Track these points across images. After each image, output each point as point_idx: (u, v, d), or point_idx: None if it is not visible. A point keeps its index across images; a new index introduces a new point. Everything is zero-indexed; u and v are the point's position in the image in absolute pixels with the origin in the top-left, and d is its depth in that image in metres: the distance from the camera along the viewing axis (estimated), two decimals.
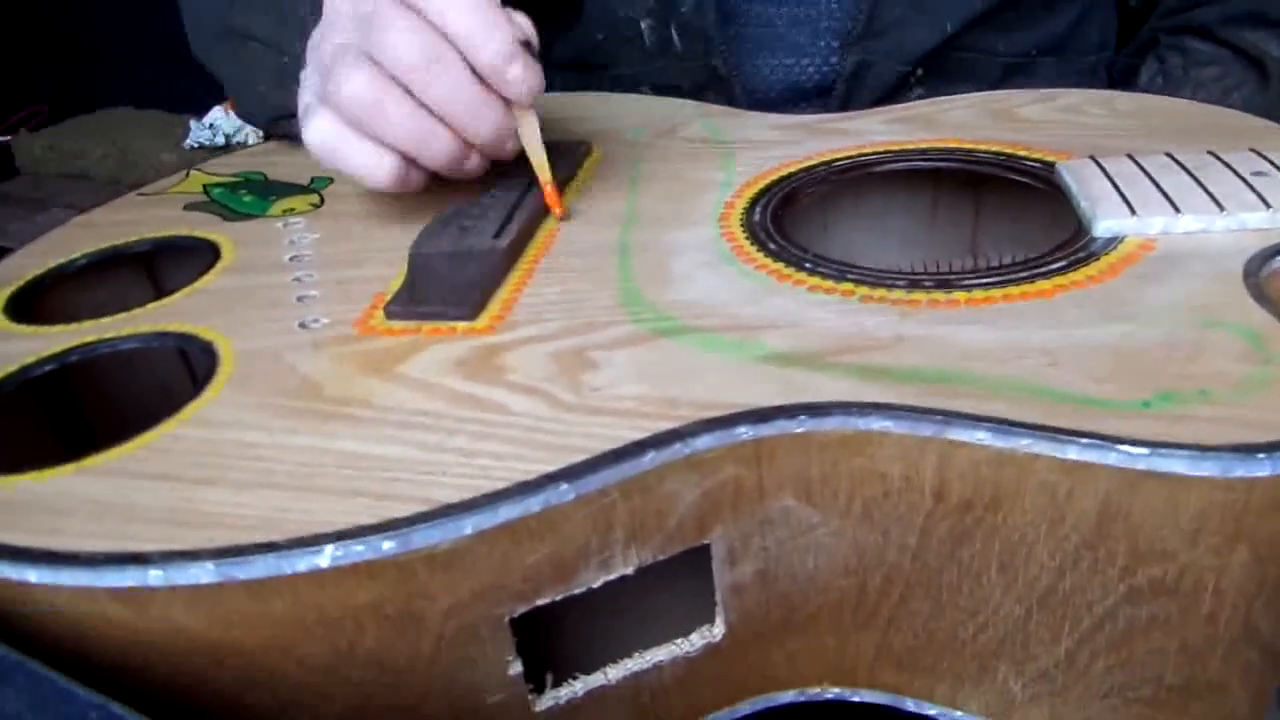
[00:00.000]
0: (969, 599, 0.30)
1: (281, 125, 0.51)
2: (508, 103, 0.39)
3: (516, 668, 0.29)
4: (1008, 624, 0.30)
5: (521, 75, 0.38)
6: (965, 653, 0.31)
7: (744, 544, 0.30)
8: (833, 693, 0.34)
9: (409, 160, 0.40)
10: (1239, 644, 0.28)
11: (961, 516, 0.28)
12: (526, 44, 0.38)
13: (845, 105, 0.55)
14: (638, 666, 0.31)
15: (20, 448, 0.36)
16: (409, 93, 0.38)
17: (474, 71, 0.38)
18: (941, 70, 0.55)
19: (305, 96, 0.41)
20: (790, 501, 0.29)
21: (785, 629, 0.32)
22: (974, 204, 0.47)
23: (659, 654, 0.31)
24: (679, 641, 0.31)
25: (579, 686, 0.31)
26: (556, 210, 0.42)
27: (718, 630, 0.31)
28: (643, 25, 0.55)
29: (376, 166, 0.39)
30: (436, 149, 0.39)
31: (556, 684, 0.30)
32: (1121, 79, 0.60)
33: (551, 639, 0.30)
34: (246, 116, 0.54)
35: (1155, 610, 0.27)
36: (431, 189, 0.43)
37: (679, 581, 0.30)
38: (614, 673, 0.31)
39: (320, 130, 0.39)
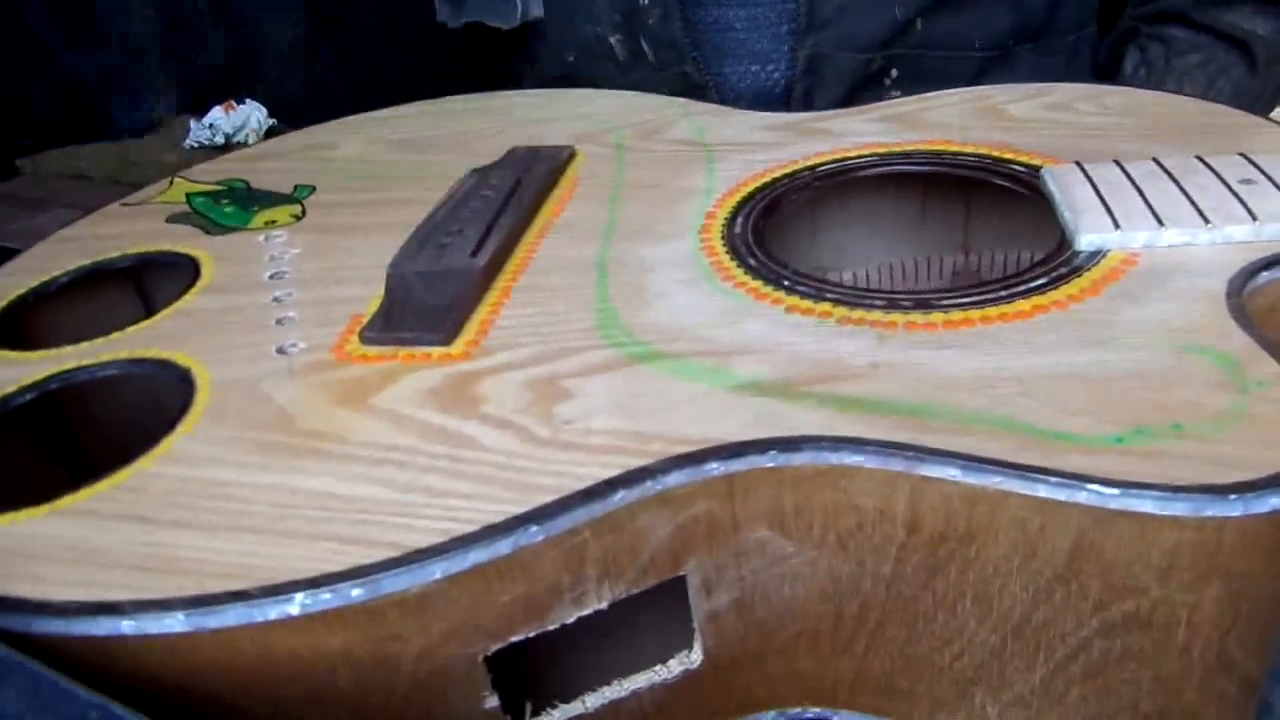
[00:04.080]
0: (944, 627, 0.30)
1: None
2: None
3: (493, 701, 0.29)
4: (983, 652, 0.30)
5: None
6: (942, 678, 0.31)
7: (719, 575, 0.30)
8: (813, 712, 0.34)
9: None
10: (1214, 674, 0.28)
11: (935, 548, 0.28)
12: None
13: (808, 105, 0.54)
14: (616, 695, 0.31)
15: (11, 476, 0.36)
16: None
17: None
18: (917, 71, 0.54)
19: None
20: (764, 533, 0.29)
21: (763, 654, 0.32)
22: (964, 205, 0.46)
23: (638, 681, 0.31)
24: (657, 669, 0.31)
25: (557, 716, 0.31)
26: None
27: (696, 657, 0.31)
28: (612, 40, 0.54)
29: None
30: None
31: (535, 714, 0.31)
32: (1105, 70, 0.59)
33: (528, 669, 0.30)
34: None
35: (1129, 642, 0.27)
36: (415, 197, 0.42)
37: (656, 610, 0.30)
38: (592, 701, 0.31)
39: None
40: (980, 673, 0.30)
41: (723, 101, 0.55)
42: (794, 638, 0.31)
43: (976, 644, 0.30)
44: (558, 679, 0.31)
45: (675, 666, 0.32)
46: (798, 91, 0.54)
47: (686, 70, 0.54)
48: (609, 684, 0.31)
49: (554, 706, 0.31)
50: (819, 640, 0.31)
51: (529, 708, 0.31)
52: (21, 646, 0.26)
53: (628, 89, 0.55)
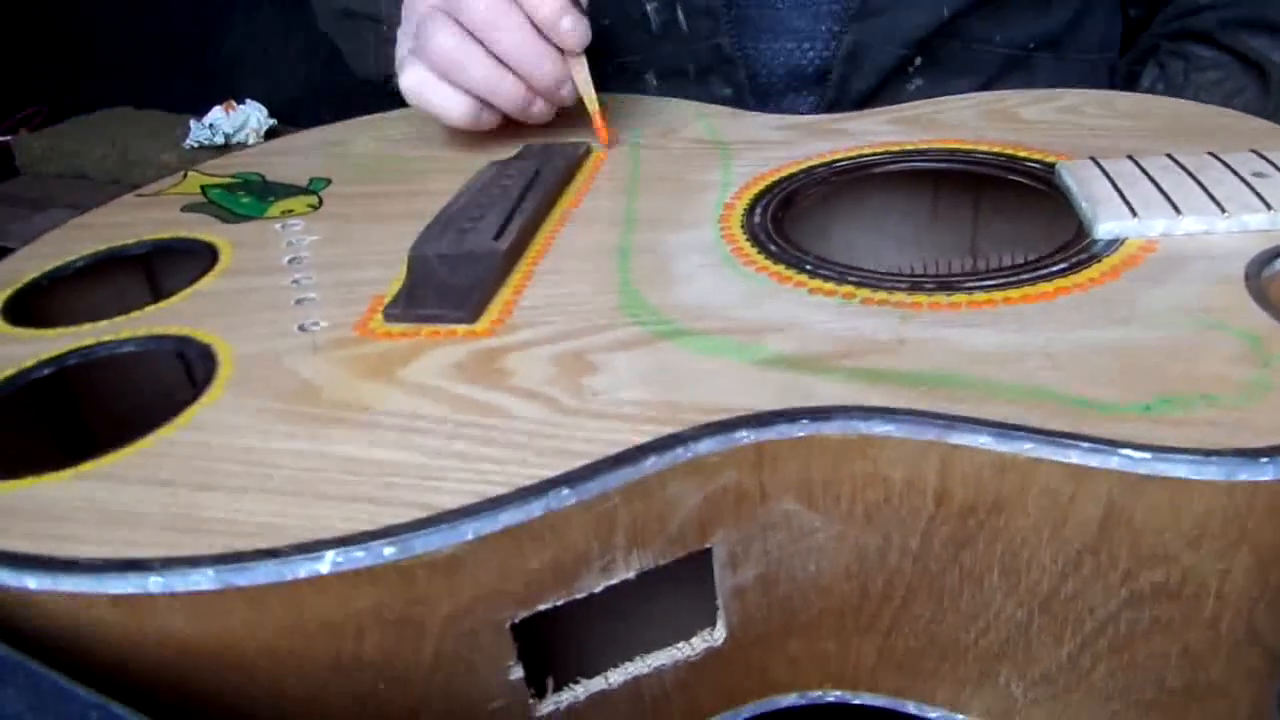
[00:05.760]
0: (971, 602, 0.30)
1: (390, 84, 0.60)
2: (562, 52, 0.47)
3: (518, 672, 0.29)
4: (1009, 627, 0.30)
5: (572, 27, 0.46)
6: (967, 656, 0.31)
7: (745, 548, 0.30)
8: (834, 695, 0.34)
9: (483, 103, 0.48)
10: (1241, 647, 0.28)
11: (963, 520, 0.28)
12: (575, 1, 0.46)
13: (842, 89, 0.55)
14: (639, 670, 0.31)
15: (19, 451, 0.35)
16: (483, 46, 0.46)
17: (535, 27, 0.46)
18: (939, 60, 0.54)
19: (401, 50, 0.50)
20: (792, 505, 0.29)
21: (786, 632, 0.32)
22: (974, 204, 0.47)
23: (660, 658, 0.31)
24: (680, 645, 0.31)
25: (580, 691, 0.30)
26: (603, 136, 0.49)
27: (719, 634, 0.31)
28: (648, 8, 0.55)
29: (455, 108, 0.48)
30: (506, 92, 0.47)
31: (557, 688, 0.30)
32: (1123, 85, 0.60)
33: (552, 643, 0.30)
34: (364, 76, 0.66)
35: (1158, 614, 0.27)
36: (430, 189, 0.42)
37: (680, 585, 0.30)
38: (615, 677, 0.31)
39: (412, 78, 0.48)
40: (1006, 649, 0.30)
41: (753, 77, 0.56)
42: (818, 615, 0.31)
43: (1003, 619, 0.30)
44: (581, 654, 0.31)
45: (698, 644, 0.31)
46: (834, 77, 0.55)
47: (720, 42, 0.55)
48: (632, 660, 0.31)
49: (576, 681, 0.31)
50: (843, 618, 0.31)
51: (551, 682, 0.30)
52: (46, 608, 0.26)
53: (656, 62, 0.56)
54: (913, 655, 0.32)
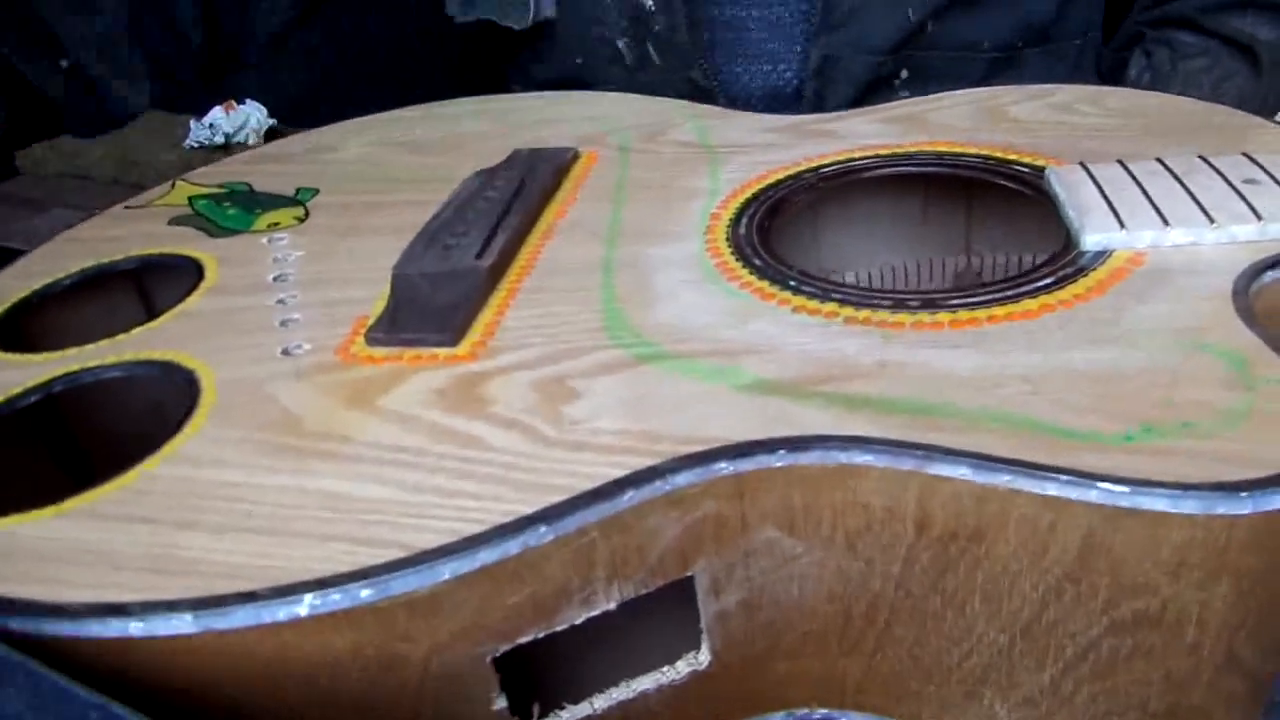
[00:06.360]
0: (953, 627, 0.30)
1: None
2: None
3: (501, 703, 0.29)
4: (992, 652, 0.30)
5: None
6: (950, 679, 0.31)
7: (727, 575, 0.30)
8: (820, 713, 0.34)
9: None
10: (1222, 673, 0.28)
11: (944, 547, 0.28)
12: None
13: (818, 105, 0.54)
14: (624, 696, 0.31)
15: (13, 478, 0.36)
16: None
17: None
18: (926, 71, 0.54)
19: None
20: (773, 533, 0.29)
21: (771, 655, 0.32)
22: (965, 207, 0.46)
23: (645, 683, 0.31)
24: (665, 670, 0.31)
25: (565, 717, 0.31)
26: None
27: (704, 658, 0.31)
28: (619, 44, 0.54)
29: None
30: None
31: (543, 715, 0.31)
32: (1109, 75, 0.59)
33: (537, 670, 0.30)
34: None
35: (1139, 641, 0.27)
36: (418, 199, 0.42)
37: (664, 610, 0.30)
38: (600, 702, 0.31)
39: None
40: (989, 673, 0.30)
41: (732, 103, 0.55)
42: (802, 638, 0.31)
43: (985, 644, 0.30)
44: (566, 680, 0.31)
45: (683, 668, 0.31)
46: (808, 92, 0.54)
47: (692, 75, 0.54)
48: (616, 685, 0.31)
49: (562, 708, 0.31)
50: (827, 641, 0.31)
51: (537, 709, 0.31)
52: (30, 649, 0.26)
53: (636, 91, 0.55)
54: (897, 676, 0.32)
